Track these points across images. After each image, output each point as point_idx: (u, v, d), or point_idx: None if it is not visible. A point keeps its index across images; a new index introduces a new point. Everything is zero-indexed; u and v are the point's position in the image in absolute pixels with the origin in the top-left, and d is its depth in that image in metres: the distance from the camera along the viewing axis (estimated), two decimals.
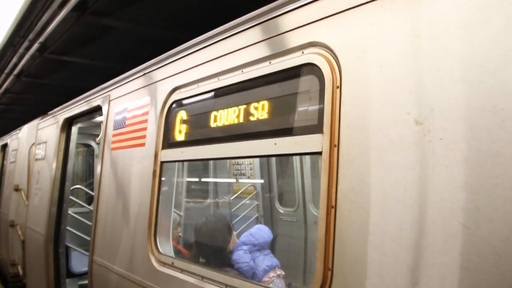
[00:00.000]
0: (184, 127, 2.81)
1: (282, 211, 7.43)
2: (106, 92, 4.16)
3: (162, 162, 2.99)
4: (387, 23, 1.65)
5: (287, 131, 2.00)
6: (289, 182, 7.53)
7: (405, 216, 1.49)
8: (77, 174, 8.01)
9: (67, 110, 5.37)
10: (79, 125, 5.53)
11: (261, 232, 3.21)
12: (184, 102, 2.86)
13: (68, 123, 5.38)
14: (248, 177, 8.12)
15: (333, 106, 1.79)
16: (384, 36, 1.65)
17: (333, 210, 1.73)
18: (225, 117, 2.41)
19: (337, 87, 1.79)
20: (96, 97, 4.41)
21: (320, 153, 1.81)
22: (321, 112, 1.84)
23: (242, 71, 2.35)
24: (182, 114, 2.85)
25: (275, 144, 2.02)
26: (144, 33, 5.18)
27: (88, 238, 5.96)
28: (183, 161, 3.28)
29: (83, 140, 7.39)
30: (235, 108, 2.35)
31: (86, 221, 6.40)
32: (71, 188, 5.68)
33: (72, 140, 5.43)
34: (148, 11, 4.60)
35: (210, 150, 2.48)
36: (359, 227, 1.62)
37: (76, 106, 5.07)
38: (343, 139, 1.72)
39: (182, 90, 2.89)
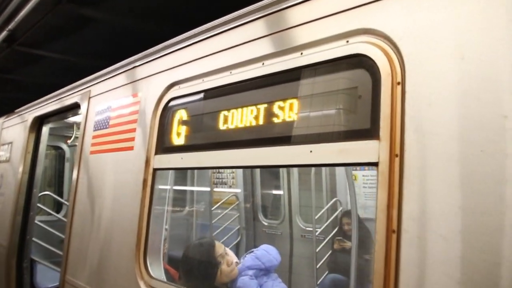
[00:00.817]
0: (184, 129, 2.41)
1: (265, 223, 7.06)
2: (85, 88, 3.69)
3: (155, 170, 2.57)
4: (470, 5, 1.31)
5: (327, 136, 1.64)
6: (274, 192, 7.18)
7: (503, 249, 1.14)
8: (45, 178, 7.40)
9: (38, 108, 4.84)
10: (50, 125, 5.00)
11: (268, 254, 2.81)
12: (185, 99, 2.46)
13: (39, 123, 4.85)
14: (230, 187, 7.73)
15: (393, 106, 1.44)
16: (466, 21, 1.31)
17: (394, 236, 1.37)
18: (240, 118, 2.03)
19: (398, 83, 1.45)
20: (74, 93, 3.93)
21: (375, 164, 1.45)
22: (375, 113, 1.49)
23: (263, 64, 1.98)
24: (182, 114, 2.45)
25: (311, 151, 1.65)
26: (130, 27, 4.71)
27: (57, 251, 5.45)
28: (183, 169, 2.87)
29: (53, 142, 6.81)
30: (253, 107, 1.97)
31: (54, 231, 5.86)
32: (39, 194, 5.11)
33: (42, 141, 4.89)
34: (137, 1, 4.16)
35: (220, 156, 2.09)
36: (436, 259, 1.26)
37: (48, 103, 4.55)
38: (409, 147, 1.37)
39: (182, 85, 2.49)
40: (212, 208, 7.22)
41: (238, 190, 7.51)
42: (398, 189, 1.39)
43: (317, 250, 5.53)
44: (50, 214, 6.36)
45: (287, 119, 1.80)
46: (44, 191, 6.71)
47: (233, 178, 7.74)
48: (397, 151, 1.41)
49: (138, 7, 4.34)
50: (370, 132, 1.49)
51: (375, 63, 1.52)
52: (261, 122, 1.92)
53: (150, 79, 2.79)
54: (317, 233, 5.74)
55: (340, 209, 6.05)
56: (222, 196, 7.60)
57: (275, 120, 1.85)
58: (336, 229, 5.68)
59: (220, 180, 7.93)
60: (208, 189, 7.59)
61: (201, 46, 2.37)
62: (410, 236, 1.33)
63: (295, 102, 1.78)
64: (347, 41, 1.64)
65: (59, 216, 6.29)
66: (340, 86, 1.64)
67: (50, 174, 7.71)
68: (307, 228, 6.32)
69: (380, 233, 1.41)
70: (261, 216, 7.13)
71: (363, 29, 1.59)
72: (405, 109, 1.40)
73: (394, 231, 1.38)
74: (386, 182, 1.41)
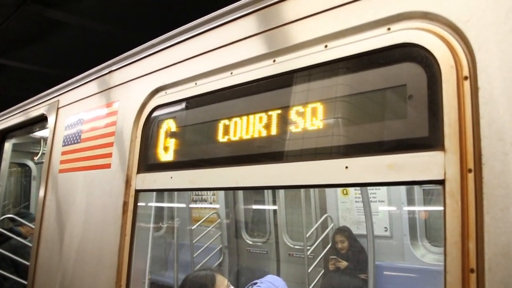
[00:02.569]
0: (173, 143, 2.03)
1: (250, 242, 6.66)
2: (53, 98, 3.26)
3: (137, 191, 2.17)
4: None
5: (369, 148, 1.29)
6: (259, 208, 6.80)
7: None
8: (9, 198, 6.81)
9: None
10: (14, 140, 4.51)
11: (274, 287, 2.41)
12: (174, 107, 2.08)
13: (0, 138, 4.35)
14: (210, 203, 7.32)
15: (461, 107, 1.11)
16: None
17: (473, 276, 1.04)
18: (245, 128, 1.67)
19: (465, 78, 1.13)
20: (40, 104, 3.48)
21: (441, 182, 1.12)
22: (434, 117, 1.17)
23: (275, 61, 1.63)
24: (170, 125, 2.07)
25: (347, 167, 1.30)
26: (105, 33, 4.30)
27: (22, 281, 4.88)
28: (173, 190, 2.46)
29: (18, 158, 6.25)
30: (262, 114, 1.62)
31: (19, 259, 5.28)
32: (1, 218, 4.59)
33: (5, 158, 4.41)
34: (112, 3, 3.77)
35: (221, 175, 1.72)
36: None
37: (11, 116, 4.07)
38: (490, 160, 1.04)
39: (170, 91, 2.12)
40: (193, 227, 6.78)
41: (218, 206, 7.14)
42: (475, 214, 1.06)
43: (309, 271, 5.17)
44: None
45: (310, 128, 1.45)
46: (9, 212, 6.13)
47: (213, 194, 7.34)
48: (471, 165, 1.08)
49: (113, 10, 3.94)
50: (429, 142, 1.16)
51: (430, 53, 1.20)
52: (274, 132, 1.57)
53: (130, 85, 2.41)
54: (308, 252, 5.39)
55: (331, 225, 5.73)
56: (202, 214, 7.18)
57: (294, 129, 1.50)
58: (328, 247, 5.34)
59: (200, 197, 7.51)
60: (190, 206, 7.16)
61: (194, 43, 2.01)
62: (500, 277, 0.99)
63: (319, 106, 1.44)
64: (389, 29, 1.31)
65: (24, 241, 5.70)
66: (381, 84, 1.31)
67: (15, 194, 7.12)
68: (295, 247, 5.96)
69: (452, 273, 1.07)
70: (244, 234, 6.73)
71: (410, 13, 1.27)
72: (479, 111, 1.08)
73: (473, 271, 1.04)
74: (457, 206, 1.08)
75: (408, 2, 1.28)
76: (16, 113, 3.95)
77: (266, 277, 2.48)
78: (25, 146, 5.99)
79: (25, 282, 3.48)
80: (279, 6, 1.64)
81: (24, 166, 6.63)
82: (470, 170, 1.08)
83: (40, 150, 5.66)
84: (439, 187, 1.14)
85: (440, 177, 1.11)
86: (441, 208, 1.13)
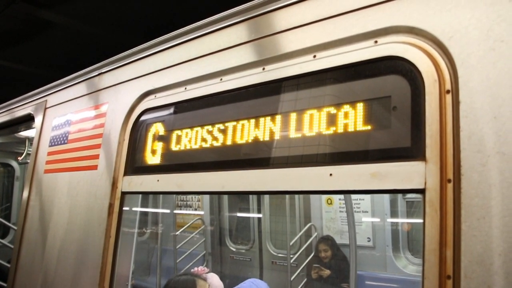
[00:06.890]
0: (161, 146, 2.04)
1: (233, 249, 6.65)
2: (41, 98, 3.24)
3: (123, 193, 2.18)
4: None
5: (353, 156, 1.33)
6: (243, 216, 6.81)
7: None
8: None
9: None
10: None
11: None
12: (163, 111, 2.10)
13: None
14: (195, 209, 7.30)
15: (443, 119, 1.16)
16: None
17: (450, 283, 1.08)
18: (234, 133, 1.70)
19: (447, 91, 1.17)
20: (27, 103, 3.46)
21: (421, 190, 1.15)
22: (417, 128, 1.21)
23: (264, 69, 1.66)
24: (158, 128, 2.08)
25: (331, 175, 1.34)
26: (95, 36, 4.29)
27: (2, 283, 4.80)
28: (159, 193, 2.47)
29: (1, 158, 6.16)
30: (252, 120, 1.64)
31: None
32: None
33: None
34: (103, 6, 3.77)
35: (209, 179, 1.74)
36: None
37: None
38: (468, 170, 1.08)
39: (159, 95, 2.13)
40: (177, 233, 6.75)
41: (202, 212, 7.12)
42: (453, 223, 1.10)
43: (291, 279, 5.18)
44: None
45: (296, 135, 1.48)
46: None
47: (198, 200, 7.32)
48: (450, 176, 1.12)
49: (104, 14, 3.95)
50: (411, 152, 1.20)
51: (415, 67, 1.24)
52: (261, 138, 1.59)
53: (119, 88, 2.42)
54: (291, 260, 5.40)
55: (315, 234, 5.76)
56: (187, 220, 7.15)
57: (280, 136, 1.53)
58: (311, 256, 5.37)
59: (185, 202, 7.49)
60: (175, 212, 7.12)
61: (185, 48, 2.03)
62: (475, 284, 1.03)
63: (306, 114, 1.47)
64: (375, 42, 1.36)
65: (4, 241, 5.61)
66: (367, 95, 1.35)
67: None
68: (279, 255, 5.97)
69: (430, 279, 1.10)
70: (228, 241, 6.72)
71: (397, 27, 1.32)
72: (459, 124, 1.12)
73: (449, 277, 1.08)
74: (436, 214, 1.12)
75: (395, 17, 1.32)
76: (1, 112, 3.91)
77: (248, 281, 2.49)
78: (9, 146, 5.91)
79: None
80: (270, 15, 1.68)
81: (6, 166, 6.53)
82: (449, 180, 1.12)
83: (24, 150, 5.60)
84: (420, 197, 1.18)
85: (421, 186, 1.15)
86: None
